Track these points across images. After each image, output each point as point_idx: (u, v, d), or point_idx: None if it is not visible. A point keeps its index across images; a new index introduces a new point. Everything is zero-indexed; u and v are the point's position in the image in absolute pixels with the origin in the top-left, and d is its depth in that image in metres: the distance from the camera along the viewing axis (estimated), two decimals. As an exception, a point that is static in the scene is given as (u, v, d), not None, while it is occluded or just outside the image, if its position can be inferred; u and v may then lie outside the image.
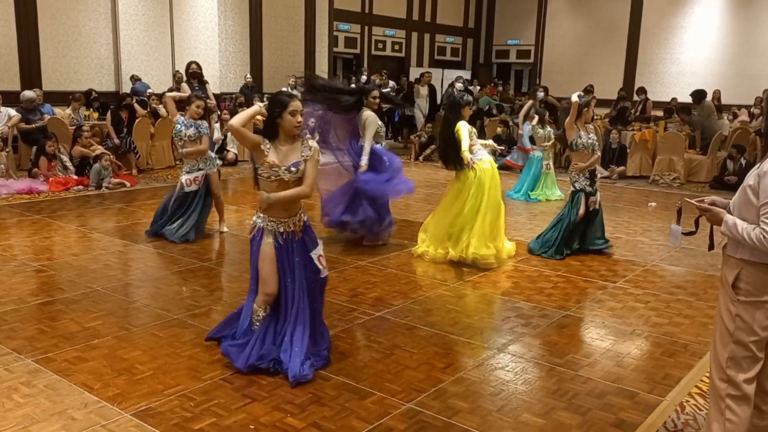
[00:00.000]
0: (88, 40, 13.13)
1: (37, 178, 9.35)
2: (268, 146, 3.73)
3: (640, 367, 4.07)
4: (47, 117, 10.53)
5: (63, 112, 11.46)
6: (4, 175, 9.25)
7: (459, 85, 15.46)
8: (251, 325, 3.86)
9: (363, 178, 6.32)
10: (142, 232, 7.04)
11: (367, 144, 6.34)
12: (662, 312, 5.06)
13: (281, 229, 3.77)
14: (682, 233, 3.09)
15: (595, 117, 12.36)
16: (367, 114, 6.38)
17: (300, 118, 3.72)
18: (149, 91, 12.90)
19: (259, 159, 3.73)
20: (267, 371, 3.72)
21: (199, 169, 6.73)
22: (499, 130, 12.77)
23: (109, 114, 10.86)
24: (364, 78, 16.12)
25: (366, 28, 19.04)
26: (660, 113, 14.24)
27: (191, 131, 6.63)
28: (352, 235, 6.72)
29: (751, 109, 14.47)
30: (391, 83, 17.06)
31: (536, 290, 5.48)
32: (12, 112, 10.02)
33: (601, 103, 14.60)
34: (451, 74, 19.35)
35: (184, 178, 6.73)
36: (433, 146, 13.12)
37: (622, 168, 11.89)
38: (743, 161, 10.96)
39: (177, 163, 11.25)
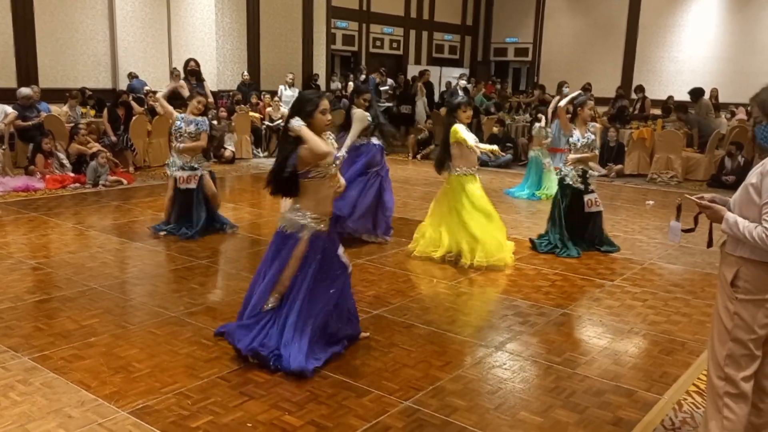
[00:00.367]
0: (85, 38, 13.11)
1: (34, 176, 9.33)
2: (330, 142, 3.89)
3: (637, 365, 4.07)
4: (44, 114, 10.50)
5: (60, 110, 11.41)
6: (1, 173, 9.23)
7: (462, 83, 15.43)
8: (261, 309, 3.87)
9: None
10: (139, 229, 7.03)
11: (350, 138, 6.38)
12: (660, 310, 5.06)
13: (322, 226, 3.85)
14: (682, 230, 3.09)
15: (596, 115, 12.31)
16: (355, 110, 6.47)
17: (330, 116, 3.82)
18: (146, 88, 12.88)
19: (319, 159, 3.71)
20: (266, 368, 3.72)
21: (193, 169, 6.75)
22: (495, 129, 12.75)
23: (105, 111, 10.85)
24: (363, 77, 16.13)
25: (364, 25, 19.00)
26: (658, 111, 14.24)
27: (191, 128, 6.68)
28: (351, 234, 6.70)
29: (749, 108, 14.45)
30: (390, 81, 17.06)
31: (534, 288, 5.48)
32: (8, 109, 9.97)
33: (599, 101, 14.54)
34: (449, 72, 19.35)
35: (177, 174, 6.75)
36: (431, 146, 13.08)
37: (620, 166, 11.88)
38: (741, 159, 10.97)
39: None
